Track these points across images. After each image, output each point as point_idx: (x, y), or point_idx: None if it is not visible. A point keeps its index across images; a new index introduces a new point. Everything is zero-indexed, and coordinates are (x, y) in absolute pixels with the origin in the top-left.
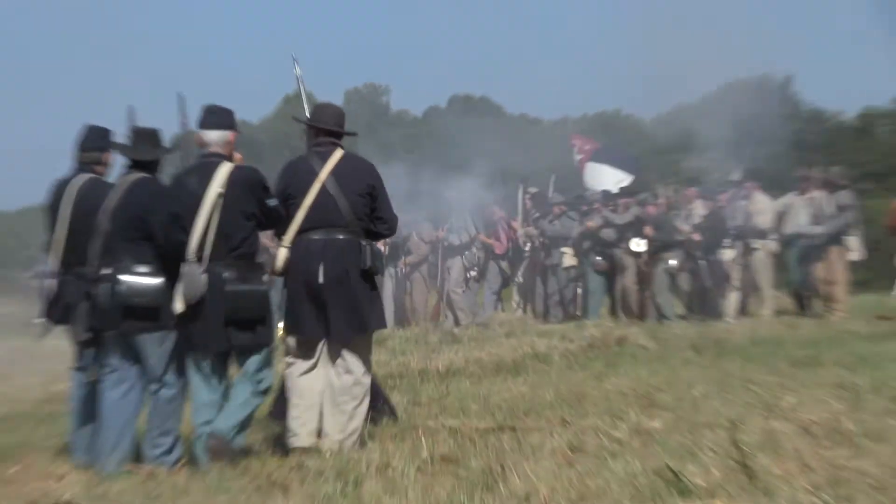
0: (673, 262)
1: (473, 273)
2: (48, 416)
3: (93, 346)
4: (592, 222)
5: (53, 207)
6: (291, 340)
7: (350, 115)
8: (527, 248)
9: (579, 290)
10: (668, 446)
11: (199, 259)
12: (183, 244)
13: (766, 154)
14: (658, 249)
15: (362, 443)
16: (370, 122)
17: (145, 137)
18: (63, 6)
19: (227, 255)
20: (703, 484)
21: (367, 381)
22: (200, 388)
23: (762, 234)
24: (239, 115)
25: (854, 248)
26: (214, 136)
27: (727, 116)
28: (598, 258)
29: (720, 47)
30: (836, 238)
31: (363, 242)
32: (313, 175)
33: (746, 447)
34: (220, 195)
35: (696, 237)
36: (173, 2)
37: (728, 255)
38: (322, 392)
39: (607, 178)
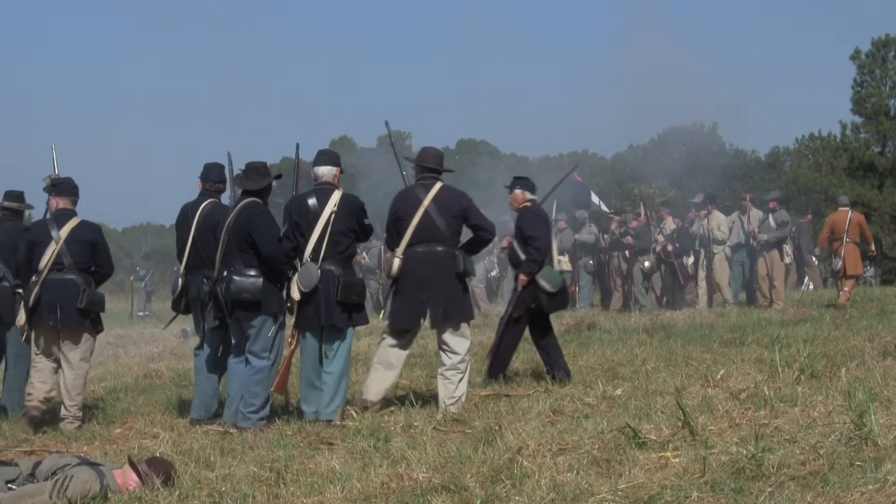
0: (647, 264)
1: (494, 273)
2: (146, 389)
3: (221, 329)
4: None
5: (183, 224)
6: (391, 323)
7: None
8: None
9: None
10: (628, 409)
11: (314, 259)
12: (292, 250)
13: (702, 183)
14: (636, 253)
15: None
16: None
17: (255, 170)
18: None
19: (337, 256)
20: (656, 439)
21: (468, 357)
22: (307, 358)
23: (720, 243)
24: (291, 153)
25: (788, 253)
26: (325, 171)
27: (670, 154)
28: (590, 261)
29: (663, 99)
30: (776, 245)
31: (456, 252)
32: (419, 202)
33: (688, 409)
34: (332, 213)
35: (670, 247)
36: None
37: (691, 259)
38: (400, 367)
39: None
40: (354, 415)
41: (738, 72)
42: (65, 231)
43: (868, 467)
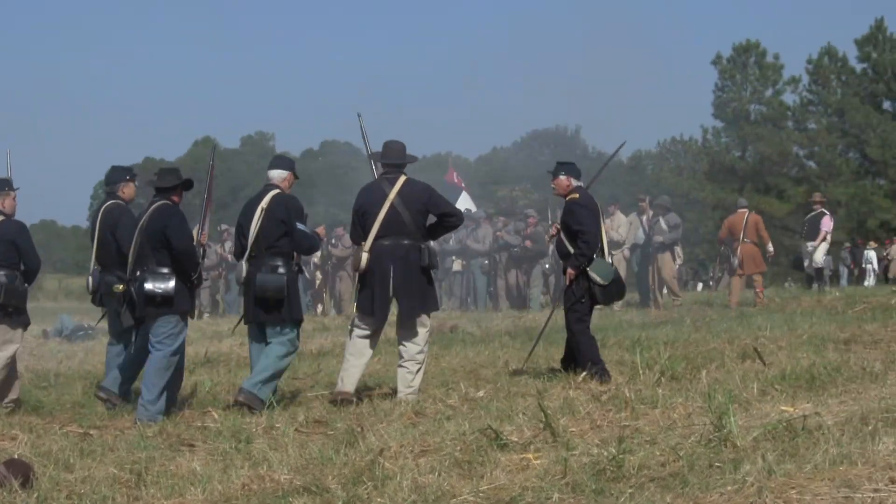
0: (547, 266)
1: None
2: None
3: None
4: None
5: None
6: (360, 315)
7: (239, 156)
8: None
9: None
10: (490, 411)
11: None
12: (240, 250)
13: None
14: (535, 256)
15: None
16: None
17: (167, 172)
18: None
19: (264, 252)
20: (517, 440)
21: (427, 349)
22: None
23: (618, 245)
24: (156, 154)
25: (679, 255)
26: (275, 174)
27: (534, 156)
28: (485, 262)
29: (524, 102)
30: (669, 246)
31: (422, 246)
32: (384, 196)
33: (550, 411)
34: (263, 210)
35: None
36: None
37: None
38: (370, 355)
39: (467, 203)
40: (216, 416)
41: (600, 75)
42: None
43: (727, 468)
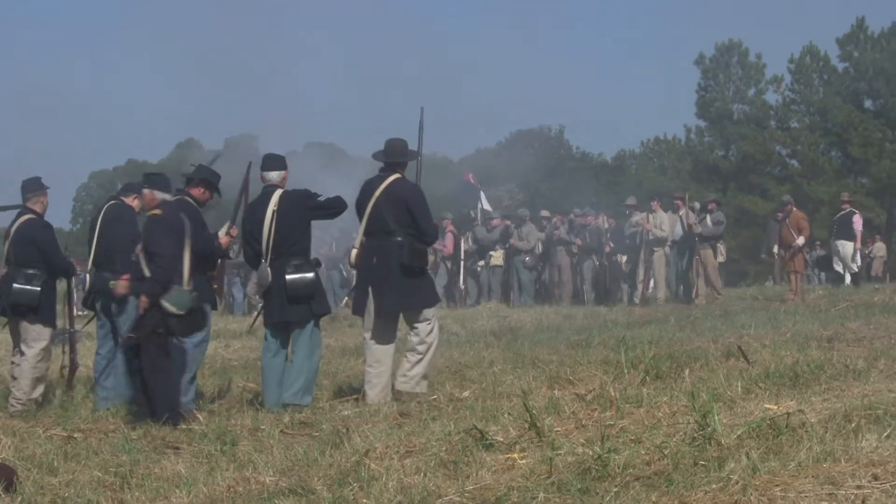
0: (527, 259)
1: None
2: None
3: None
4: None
5: (92, 226)
6: (367, 318)
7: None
8: None
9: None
10: (475, 411)
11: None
12: (254, 256)
13: (549, 186)
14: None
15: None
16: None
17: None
18: None
19: (286, 253)
20: (503, 440)
21: (429, 340)
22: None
23: (662, 241)
24: (141, 156)
25: (722, 252)
26: (272, 175)
27: (518, 157)
28: (527, 258)
29: (508, 102)
30: (712, 242)
31: (404, 244)
32: (372, 193)
33: (535, 411)
34: (274, 212)
35: (608, 246)
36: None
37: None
38: (388, 360)
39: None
40: (200, 418)
41: (585, 76)
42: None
43: (711, 466)
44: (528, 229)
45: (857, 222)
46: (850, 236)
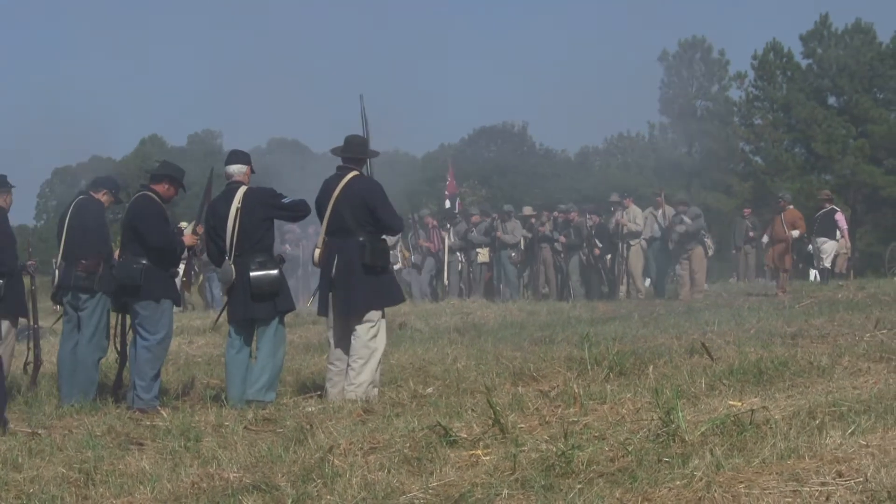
0: (514, 255)
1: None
2: None
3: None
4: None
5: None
6: (328, 318)
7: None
8: None
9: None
10: (439, 407)
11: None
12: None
13: (511, 182)
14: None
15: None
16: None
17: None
18: None
19: (250, 250)
20: (467, 437)
21: (373, 345)
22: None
23: (636, 235)
24: (104, 152)
25: (710, 246)
26: (235, 169)
27: (481, 153)
28: (513, 253)
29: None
30: (700, 239)
31: (366, 243)
32: (331, 192)
33: (499, 408)
34: (238, 209)
35: (597, 249)
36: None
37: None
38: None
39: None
40: (164, 415)
41: (546, 72)
42: None
43: (675, 463)
44: (513, 225)
45: (841, 220)
46: (831, 234)
